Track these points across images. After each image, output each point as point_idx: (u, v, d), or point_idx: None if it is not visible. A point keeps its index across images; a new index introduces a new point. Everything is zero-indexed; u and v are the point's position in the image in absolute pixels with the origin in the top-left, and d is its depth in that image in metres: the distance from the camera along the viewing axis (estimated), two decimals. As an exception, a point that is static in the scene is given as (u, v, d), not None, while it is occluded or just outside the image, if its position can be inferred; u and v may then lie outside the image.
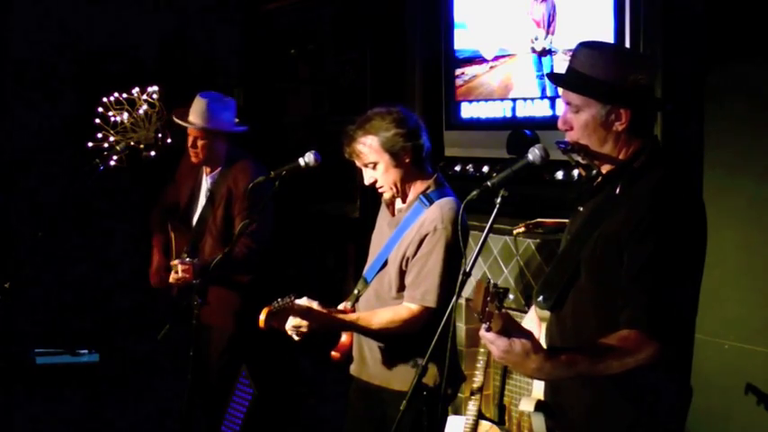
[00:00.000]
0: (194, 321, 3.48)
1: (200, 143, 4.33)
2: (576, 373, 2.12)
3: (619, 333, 2.15)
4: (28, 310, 5.92)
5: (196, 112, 4.35)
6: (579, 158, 2.36)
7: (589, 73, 2.29)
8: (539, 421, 2.36)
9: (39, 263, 6.04)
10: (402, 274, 3.07)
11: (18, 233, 6.09)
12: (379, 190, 3.13)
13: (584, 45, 2.38)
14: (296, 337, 3.03)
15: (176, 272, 4.08)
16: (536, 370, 2.08)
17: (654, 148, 2.33)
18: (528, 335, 2.09)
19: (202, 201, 4.45)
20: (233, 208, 4.28)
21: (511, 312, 2.17)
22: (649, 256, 2.15)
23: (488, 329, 2.06)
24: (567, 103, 2.34)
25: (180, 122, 4.40)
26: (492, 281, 2.10)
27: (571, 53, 2.38)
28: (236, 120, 4.49)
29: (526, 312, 2.71)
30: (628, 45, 3.50)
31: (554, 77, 2.50)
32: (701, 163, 3.36)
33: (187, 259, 4.09)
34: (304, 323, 2.98)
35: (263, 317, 2.93)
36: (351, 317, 3.08)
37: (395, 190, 3.11)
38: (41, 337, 5.94)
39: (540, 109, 4.01)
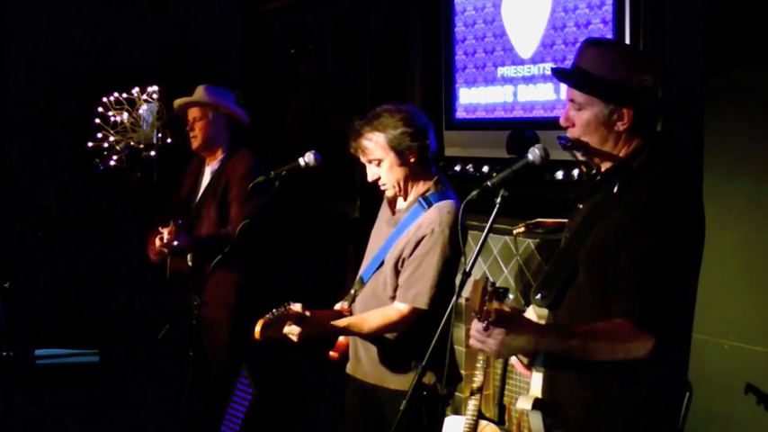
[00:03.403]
0: (194, 321, 3.47)
1: (198, 125, 4.36)
2: (568, 347, 2.15)
3: (613, 320, 2.17)
4: (28, 310, 5.92)
5: (195, 94, 4.43)
6: (579, 155, 2.37)
7: (594, 71, 2.29)
8: (536, 419, 2.37)
9: (39, 263, 6.05)
10: (398, 274, 3.07)
11: (18, 233, 6.09)
12: (382, 187, 3.13)
13: (591, 43, 2.37)
14: (292, 340, 3.03)
15: (161, 238, 4.07)
16: (532, 343, 2.14)
17: (654, 148, 2.33)
18: (516, 312, 2.14)
19: (202, 190, 4.45)
20: (229, 194, 4.28)
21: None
22: (644, 250, 2.16)
23: (486, 328, 2.06)
24: (571, 100, 2.34)
25: (180, 101, 4.45)
26: (489, 279, 2.10)
27: (577, 50, 2.38)
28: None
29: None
30: (627, 45, 3.50)
31: (559, 73, 2.49)
32: (701, 164, 3.36)
33: (172, 224, 4.09)
34: (296, 329, 2.98)
35: (258, 328, 2.92)
36: (342, 322, 3.07)
37: (397, 188, 3.11)
38: (41, 337, 5.93)
39: (543, 93, 4.01)
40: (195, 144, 4.41)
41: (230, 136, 4.42)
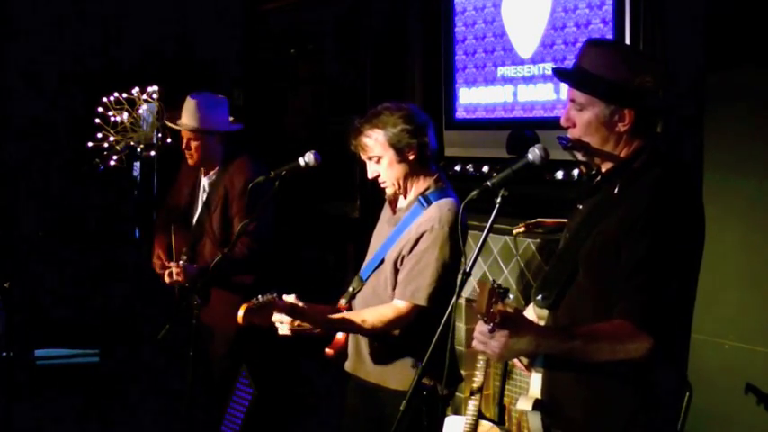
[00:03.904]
0: (194, 321, 3.48)
1: (193, 144, 4.28)
2: (569, 348, 2.15)
3: (613, 321, 2.17)
4: (28, 309, 5.92)
5: (187, 114, 4.30)
6: (579, 156, 2.37)
7: (595, 72, 2.29)
8: (535, 420, 2.37)
9: (39, 263, 6.05)
10: (398, 272, 3.07)
11: (18, 233, 6.09)
12: (381, 185, 3.14)
13: (593, 43, 2.37)
14: (285, 332, 3.02)
15: (170, 275, 4.08)
16: (533, 345, 2.13)
17: (654, 149, 2.33)
18: (519, 314, 2.14)
19: (201, 202, 4.41)
20: (230, 209, 4.24)
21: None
22: (645, 252, 2.16)
23: (492, 330, 2.07)
24: (572, 100, 2.34)
25: (172, 125, 4.39)
26: (496, 281, 2.11)
27: (579, 50, 2.38)
28: (231, 118, 4.44)
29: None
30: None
31: (560, 73, 2.49)
32: (701, 164, 3.36)
33: (180, 262, 4.09)
34: (286, 319, 2.98)
35: (241, 313, 2.94)
36: (337, 315, 3.07)
37: (397, 186, 3.12)
38: (41, 338, 5.93)
39: (543, 93, 4.01)
40: (192, 162, 4.35)
41: (225, 147, 4.35)
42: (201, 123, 4.26)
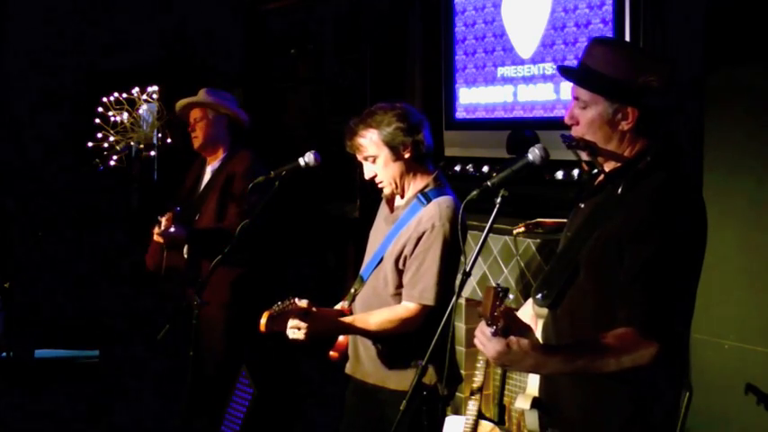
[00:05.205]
0: (194, 321, 3.47)
1: (198, 125, 4.40)
2: (574, 368, 2.14)
3: (616, 331, 2.16)
4: (28, 309, 5.92)
5: (198, 95, 4.48)
6: (583, 155, 2.36)
7: (600, 69, 2.28)
8: (532, 418, 2.37)
9: (39, 263, 6.05)
10: (398, 271, 3.07)
11: (18, 233, 6.09)
12: (379, 185, 3.14)
13: (598, 41, 2.36)
14: (300, 337, 3.02)
15: (159, 225, 4.09)
16: (534, 366, 2.12)
17: (659, 150, 2.32)
18: (526, 329, 2.11)
19: (202, 188, 4.48)
20: (229, 190, 4.31)
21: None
22: (649, 256, 2.15)
23: (495, 333, 2.07)
24: (576, 98, 2.33)
25: (182, 102, 4.49)
26: (501, 285, 2.11)
27: (584, 48, 2.37)
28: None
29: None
30: (628, 45, 3.50)
31: (564, 71, 2.48)
32: (701, 163, 3.36)
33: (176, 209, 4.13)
34: (303, 324, 2.98)
35: (263, 321, 2.93)
36: (348, 318, 3.07)
37: (394, 185, 3.12)
38: (41, 337, 5.93)
39: (543, 93, 4.01)
40: (196, 144, 4.45)
41: (231, 136, 4.47)
42: (208, 98, 4.43)
